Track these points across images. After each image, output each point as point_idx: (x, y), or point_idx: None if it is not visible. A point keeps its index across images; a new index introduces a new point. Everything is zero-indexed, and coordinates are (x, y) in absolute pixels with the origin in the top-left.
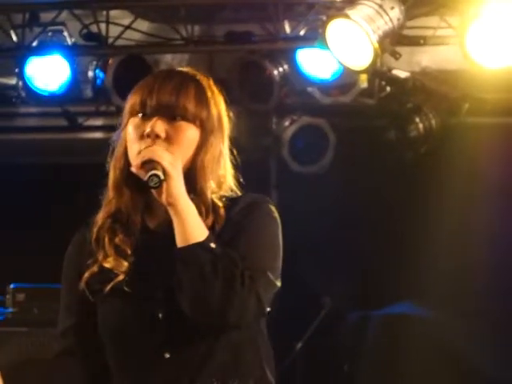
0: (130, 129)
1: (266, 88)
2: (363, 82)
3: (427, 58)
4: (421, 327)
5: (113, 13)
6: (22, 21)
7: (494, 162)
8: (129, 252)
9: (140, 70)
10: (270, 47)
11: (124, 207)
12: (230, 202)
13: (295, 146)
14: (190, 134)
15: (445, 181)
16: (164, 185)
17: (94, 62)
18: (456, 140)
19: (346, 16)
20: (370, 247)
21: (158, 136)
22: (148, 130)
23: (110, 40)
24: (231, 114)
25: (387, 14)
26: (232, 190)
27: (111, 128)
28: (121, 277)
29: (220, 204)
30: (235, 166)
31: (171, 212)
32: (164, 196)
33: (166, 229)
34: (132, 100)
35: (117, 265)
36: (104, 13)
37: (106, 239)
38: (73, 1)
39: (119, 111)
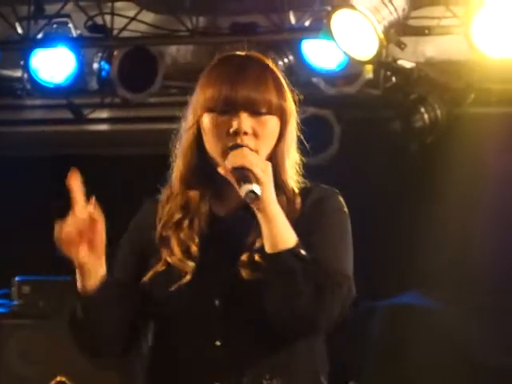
0: (210, 124)
1: None
2: (368, 72)
3: (432, 48)
4: (427, 318)
5: (118, 4)
6: (27, 13)
7: (499, 151)
8: (194, 248)
9: (145, 62)
10: (274, 38)
11: (192, 200)
12: (303, 191)
13: (300, 137)
14: (274, 126)
15: (450, 171)
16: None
17: (100, 54)
18: (461, 130)
19: (351, 6)
20: (375, 237)
21: (245, 133)
22: (235, 127)
23: (115, 32)
24: (299, 97)
25: (392, 4)
26: (298, 177)
27: (117, 120)
28: (187, 277)
29: (296, 192)
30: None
31: (260, 216)
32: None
33: (237, 216)
34: (206, 93)
35: (182, 265)
36: (109, 4)
37: (172, 236)
38: None
39: (124, 103)
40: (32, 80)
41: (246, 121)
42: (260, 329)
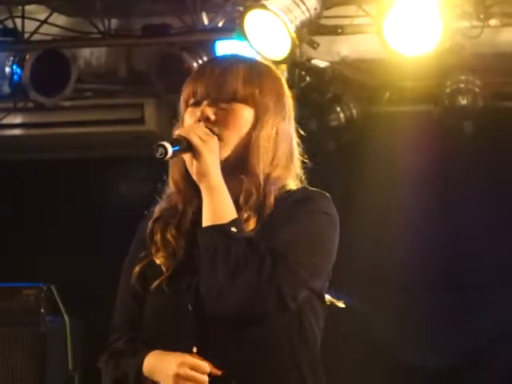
0: (187, 118)
1: (184, 80)
2: (283, 72)
3: (346, 48)
4: (344, 316)
5: (28, 7)
6: None
7: (414, 150)
8: (179, 248)
9: (58, 65)
10: (187, 39)
11: (183, 201)
12: (287, 193)
13: None
14: (242, 114)
15: (367, 170)
16: (193, 161)
17: (11, 58)
18: (377, 128)
19: (263, 6)
20: None
21: (208, 118)
22: (198, 114)
23: (27, 35)
24: (292, 95)
25: (304, 4)
26: (297, 179)
27: (30, 125)
28: (165, 275)
29: (272, 190)
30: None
31: (202, 190)
32: (193, 172)
33: None
34: (185, 92)
35: (165, 262)
36: (19, 7)
37: (159, 234)
38: None
39: (37, 107)
40: None
41: (208, 107)
42: (235, 332)
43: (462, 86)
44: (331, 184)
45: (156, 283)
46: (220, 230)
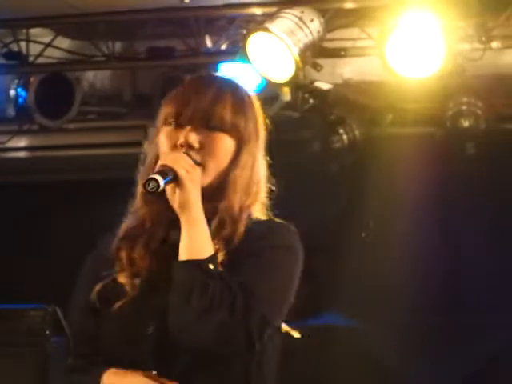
0: (163, 138)
1: None
2: (286, 94)
3: (349, 70)
4: (347, 337)
5: (33, 31)
6: None
7: (418, 171)
8: (144, 268)
9: (62, 88)
10: (191, 62)
11: (149, 218)
12: (254, 224)
13: None
14: (226, 144)
15: (369, 191)
16: (177, 192)
17: (16, 81)
18: (380, 150)
19: (266, 29)
20: None
21: (191, 146)
22: (181, 139)
23: (31, 58)
24: (267, 122)
25: (307, 27)
26: (263, 208)
27: (34, 148)
28: (129, 296)
29: (244, 221)
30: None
31: (181, 221)
32: (175, 204)
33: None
34: (166, 109)
35: (129, 282)
36: (24, 31)
37: (125, 253)
38: None
39: (42, 130)
40: None
41: (192, 134)
42: (194, 363)
43: (464, 108)
44: (333, 206)
45: (119, 303)
46: (198, 265)
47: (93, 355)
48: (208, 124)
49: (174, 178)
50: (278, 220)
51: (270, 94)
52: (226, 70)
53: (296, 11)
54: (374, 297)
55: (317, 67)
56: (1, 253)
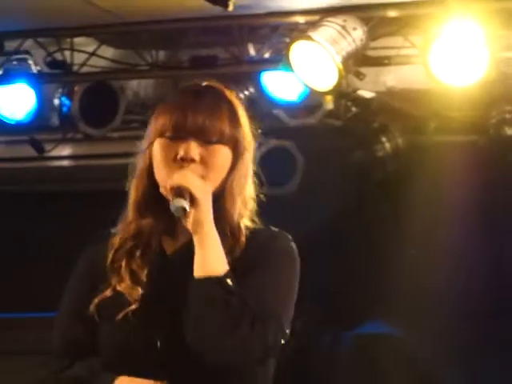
0: (159, 149)
1: None
2: (329, 103)
3: (392, 78)
4: (393, 346)
5: (77, 40)
6: None
7: (461, 179)
8: (144, 278)
9: (106, 97)
10: (234, 70)
11: (145, 229)
12: (251, 233)
13: (263, 169)
14: (225, 156)
15: (413, 199)
16: (191, 211)
17: (60, 90)
18: (423, 158)
19: (309, 38)
20: (337, 268)
21: (192, 160)
22: (182, 153)
23: (75, 67)
24: (258, 130)
25: (350, 35)
26: (252, 216)
27: (78, 156)
28: (133, 306)
29: (243, 230)
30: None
31: (195, 240)
32: (190, 223)
33: (184, 255)
34: (161, 120)
35: (130, 292)
36: (68, 40)
37: (123, 263)
38: (37, 29)
39: (86, 138)
40: None
41: (194, 148)
42: (204, 370)
43: (508, 115)
44: (377, 214)
45: (122, 314)
46: (217, 282)
47: (92, 365)
48: (207, 137)
49: (191, 200)
50: (273, 228)
51: (312, 102)
52: (269, 78)
53: (339, 20)
54: (419, 304)
55: (360, 76)
56: (46, 261)
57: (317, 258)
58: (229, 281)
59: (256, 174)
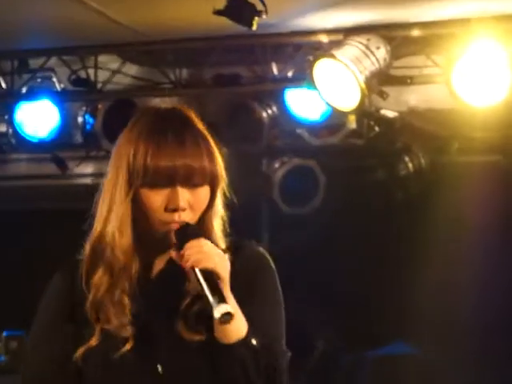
0: (146, 201)
1: (255, 130)
2: (352, 122)
3: (415, 97)
4: (413, 366)
5: (101, 58)
6: (10, 68)
7: (483, 198)
8: (129, 310)
9: (129, 114)
10: (258, 89)
11: (120, 261)
12: (234, 247)
13: (286, 188)
14: (206, 195)
15: (435, 219)
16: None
17: (84, 108)
18: (446, 178)
19: (333, 56)
20: (361, 288)
21: (183, 209)
22: (174, 205)
23: (99, 85)
24: (224, 152)
25: (373, 55)
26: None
27: (101, 174)
28: (128, 345)
29: (226, 252)
30: (227, 208)
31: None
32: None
33: (168, 277)
34: (140, 159)
35: (121, 331)
36: (92, 58)
37: (106, 303)
38: (61, 47)
39: (109, 156)
40: (16, 134)
41: (183, 196)
42: None
43: None
44: (400, 233)
45: (120, 353)
46: (245, 344)
47: None
48: (193, 181)
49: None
50: (245, 241)
51: (335, 121)
52: (293, 97)
53: (362, 39)
54: (440, 325)
55: (383, 95)
56: None
57: (338, 279)
58: (253, 340)
59: (279, 192)
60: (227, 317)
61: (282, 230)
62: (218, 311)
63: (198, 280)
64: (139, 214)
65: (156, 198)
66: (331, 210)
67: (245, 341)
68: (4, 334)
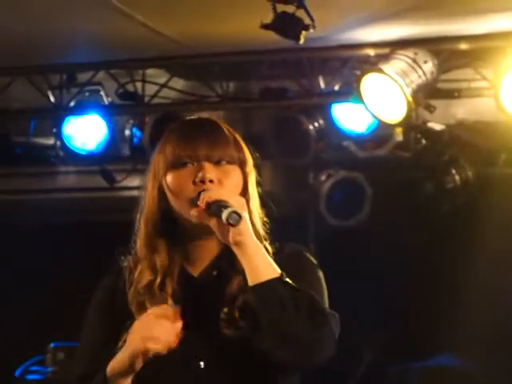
0: (173, 181)
1: (302, 143)
2: (398, 135)
3: (462, 111)
4: (460, 379)
5: (149, 71)
6: (59, 82)
7: None
8: (170, 306)
9: None
10: (305, 103)
11: (160, 262)
12: (276, 248)
13: (332, 200)
14: (237, 175)
15: (482, 232)
16: (244, 217)
17: (131, 121)
18: (493, 191)
19: (380, 70)
20: (408, 300)
21: (211, 181)
22: (201, 176)
23: (147, 98)
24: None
25: (421, 68)
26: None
27: None
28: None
29: (269, 247)
30: (274, 220)
31: (239, 252)
32: (232, 235)
33: (211, 275)
34: (168, 153)
35: None
36: (140, 72)
37: (147, 303)
38: (109, 61)
39: None
40: (65, 147)
41: (209, 169)
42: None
43: None
44: (447, 246)
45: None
46: (280, 282)
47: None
48: (218, 159)
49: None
50: (286, 243)
51: (382, 134)
52: (339, 110)
53: (409, 53)
54: (488, 337)
55: (430, 108)
56: None
57: (386, 289)
58: (288, 280)
59: (326, 204)
60: (235, 215)
61: (328, 243)
62: (224, 213)
63: (209, 209)
64: (168, 206)
65: (183, 174)
66: (378, 223)
67: (280, 278)
68: (51, 345)
